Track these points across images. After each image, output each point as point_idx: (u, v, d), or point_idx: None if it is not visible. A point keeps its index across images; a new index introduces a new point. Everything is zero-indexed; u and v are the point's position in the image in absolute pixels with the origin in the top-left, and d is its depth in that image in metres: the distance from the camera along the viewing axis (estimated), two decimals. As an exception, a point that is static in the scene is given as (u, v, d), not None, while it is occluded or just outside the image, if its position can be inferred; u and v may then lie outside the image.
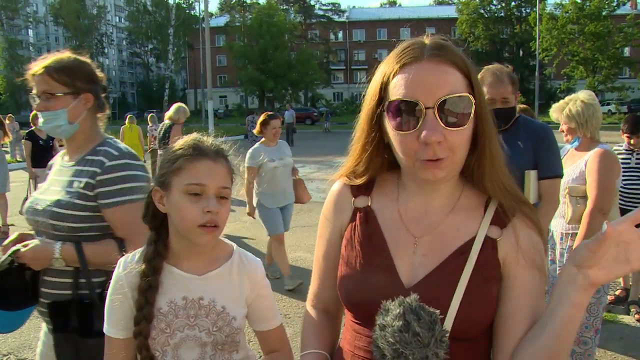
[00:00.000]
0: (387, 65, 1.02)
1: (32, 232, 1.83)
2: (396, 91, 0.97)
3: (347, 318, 1.16)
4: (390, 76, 1.00)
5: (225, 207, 1.31)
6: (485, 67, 2.55)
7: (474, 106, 0.97)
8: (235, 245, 1.47)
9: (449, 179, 1.03)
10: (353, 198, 1.16)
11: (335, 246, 1.19)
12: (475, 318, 1.00)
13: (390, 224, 1.10)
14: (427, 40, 1.00)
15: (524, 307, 1.04)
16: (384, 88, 1.02)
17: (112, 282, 1.38)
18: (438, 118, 0.93)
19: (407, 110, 0.95)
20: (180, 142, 1.33)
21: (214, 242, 1.34)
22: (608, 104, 41.75)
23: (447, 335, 0.85)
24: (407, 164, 1.00)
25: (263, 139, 5.25)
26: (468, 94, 0.96)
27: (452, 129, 0.94)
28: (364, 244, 1.09)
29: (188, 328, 1.33)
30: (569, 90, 47.18)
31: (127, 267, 1.37)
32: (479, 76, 2.40)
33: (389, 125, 1.00)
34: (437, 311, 0.87)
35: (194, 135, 1.35)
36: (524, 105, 5.17)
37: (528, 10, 53.96)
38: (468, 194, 1.09)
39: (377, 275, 1.05)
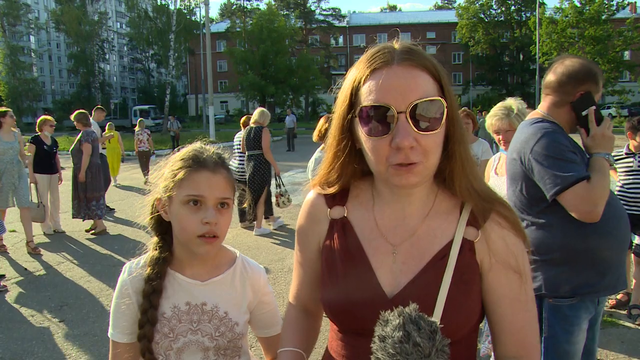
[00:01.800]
0: (357, 70, 1.01)
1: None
2: (367, 96, 0.96)
3: (331, 327, 1.16)
4: (361, 81, 0.99)
5: (226, 217, 1.32)
6: (587, 64, 2.11)
7: (445, 110, 0.97)
8: (238, 252, 1.48)
9: (422, 184, 1.02)
10: (328, 209, 1.15)
11: (312, 255, 1.18)
12: (459, 321, 0.99)
13: (367, 233, 1.09)
14: (397, 44, 0.99)
15: (509, 313, 1.04)
16: (354, 94, 1.01)
17: (117, 287, 1.40)
18: (410, 123, 0.92)
19: (378, 116, 0.94)
20: (182, 151, 1.35)
21: (214, 251, 1.35)
22: (608, 108, 41.77)
23: (448, 344, 0.85)
24: (379, 169, 0.99)
25: (323, 145, 4.68)
26: (439, 98, 0.96)
27: (424, 133, 0.94)
28: (343, 256, 1.08)
29: (191, 333, 1.35)
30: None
31: (132, 272, 1.39)
32: (589, 73, 2.00)
33: (361, 131, 0.99)
34: (437, 320, 0.87)
35: (195, 145, 1.36)
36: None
37: (528, 15, 54.00)
38: (443, 197, 1.08)
39: (359, 287, 1.04)
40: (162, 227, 1.39)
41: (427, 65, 0.97)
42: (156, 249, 1.39)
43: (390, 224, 1.08)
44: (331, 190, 1.15)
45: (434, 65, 0.98)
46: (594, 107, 2.02)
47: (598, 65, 2.07)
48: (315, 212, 1.17)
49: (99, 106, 10.41)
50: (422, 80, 0.95)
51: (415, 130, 0.93)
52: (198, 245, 1.28)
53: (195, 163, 1.29)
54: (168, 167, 1.34)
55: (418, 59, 0.97)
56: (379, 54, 0.98)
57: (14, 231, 7.97)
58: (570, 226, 2.00)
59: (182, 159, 1.32)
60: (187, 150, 1.35)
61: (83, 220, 7.88)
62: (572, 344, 2.08)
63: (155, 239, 1.41)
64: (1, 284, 5.43)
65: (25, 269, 6.08)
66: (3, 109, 7.14)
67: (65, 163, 9.51)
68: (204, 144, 1.38)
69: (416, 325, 0.84)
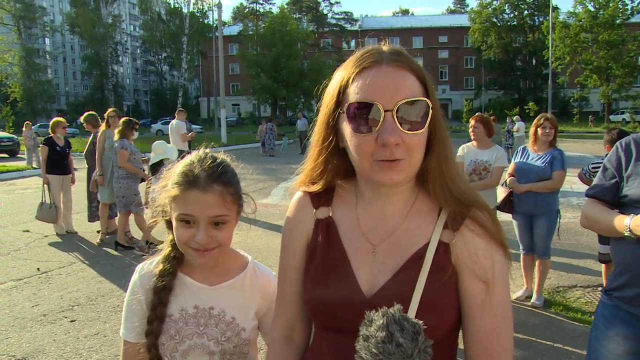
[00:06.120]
0: (345, 70, 1.04)
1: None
2: (355, 94, 0.98)
3: (314, 325, 1.17)
4: (349, 80, 1.01)
5: (224, 231, 1.30)
6: None
7: (430, 111, 0.99)
8: (250, 258, 1.49)
9: (404, 182, 1.03)
10: (314, 209, 1.16)
11: (299, 257, 1.18)
12: (434, 322, 0.98)
13: (350, 233, 1.10)
14: (385, 47, 1.02)
15: (477, 317, 1.03)
16: (342, 92, 1.03)
17: (129, 287, 1.43)
18: (397, 121, 0.94)
19: (366, 113, 0.96)
20: (182, 162, 1.33)
21: (213, 262, 1.34)
22: (622, 113, 41.38)
23: (431, 345, 0.86)
24: (363, 166, 1.00)
25: None
26: (425, 99, 0.98)
27: (409, 132, 0.95)
28: (325, 255, 1.10)
29: (197, 336, 1.37)
30: (582, 99, 47.01)
31: (143, 271, 1.42)
32: None
33: (347, 127, 1.00)
34: (421, 322, 0.87)
35: (188, 160, 1.33)
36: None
37: (541, 19, 53.79)
38: (423, 198, 1.09)
39: (338, 287, 1.05)
40: None
41: (413, 68, 1.00)
42: (169, 246, 1.41)
43: (371, 224, 1.09)
44: (315, 187, 1.16)
45: (420, 69, 1.01)
46: None
47: None
48: (302, 212, 1.18)
49: (180, 108, 10.94)
50: (409, 81, 0.98)
51: (401, 128, 0.95)
52: (192, 257, 1.30)
53: (185, 181, 1.27)
54: (170, 177, 1.33)
55: (406, 61, 1.00)
56: (369, 54, 1.01)
57: (27, 231, 8.07)
58: None
59: (177, 173, 1.30)
60: (184, 162, 1.33)
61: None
62: (595, 342, 2.02)
63: (170, 236, 1.42)
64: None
65: (38, 268, 6.15)
66: (113, 109, 7.75)
67: (78, 164, 9.61)
68: (204, 154, 1.34)
69: (399, 325, 0.84)
